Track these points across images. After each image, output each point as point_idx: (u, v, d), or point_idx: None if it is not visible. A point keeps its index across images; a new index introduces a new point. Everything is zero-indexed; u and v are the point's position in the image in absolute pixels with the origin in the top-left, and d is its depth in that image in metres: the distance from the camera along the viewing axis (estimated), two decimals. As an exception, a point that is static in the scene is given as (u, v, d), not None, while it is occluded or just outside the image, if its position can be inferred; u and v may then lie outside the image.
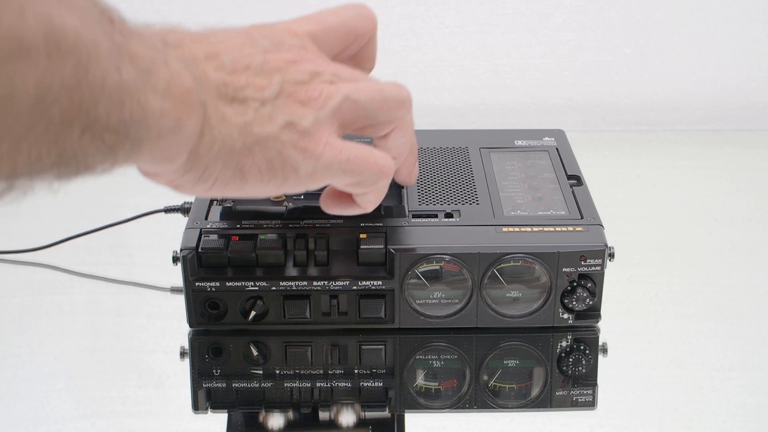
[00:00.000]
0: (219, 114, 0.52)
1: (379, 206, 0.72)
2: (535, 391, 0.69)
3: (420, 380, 0.70)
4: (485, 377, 0.70)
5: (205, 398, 0.68)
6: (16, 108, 0.39)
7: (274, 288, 0.70)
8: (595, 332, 0.72)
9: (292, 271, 0.70)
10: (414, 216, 0.73)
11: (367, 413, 0.67)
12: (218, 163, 0.53)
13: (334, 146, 0.57)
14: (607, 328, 0.73)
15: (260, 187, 0.56)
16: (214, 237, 0.70)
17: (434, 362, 0.71)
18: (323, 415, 0.67)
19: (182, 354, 0.72)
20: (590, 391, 0.69)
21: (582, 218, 0.73)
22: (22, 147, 0.40)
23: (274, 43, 0.57)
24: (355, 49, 0.65)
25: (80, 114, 0.42)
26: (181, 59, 0.51)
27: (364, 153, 0.59)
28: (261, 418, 0.66)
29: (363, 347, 0.71)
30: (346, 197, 0.63)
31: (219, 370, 0.70)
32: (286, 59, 0.57)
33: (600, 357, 0.71)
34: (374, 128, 0.61)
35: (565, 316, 0.71)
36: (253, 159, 0.54)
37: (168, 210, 0.82)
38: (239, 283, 0.69)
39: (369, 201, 0.62)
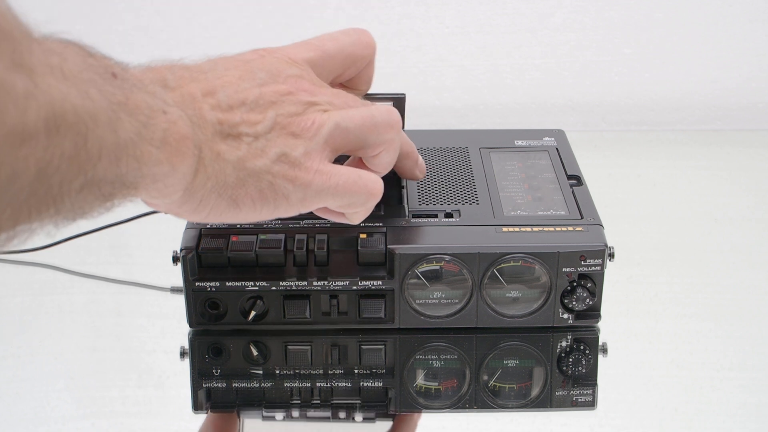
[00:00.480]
0: (213, 152, 0.55)
1: (379, 206, 0.72)
2: (535, 391, 0.69)
3: (420, 380, 0.70)
4: (485, 377, 0.70)
5: (205, 398, 0.68)
6: (19, 184, 0.41)
7: (274, 288, 0.70)
8: (595, 332, 0.72)
9: (292, 271, 0.70)
10: (414, 216, 0.73)
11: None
12: (212, 196, 0.56)
13: (323, 173, 0.59)
14: (607, 328, 0.73)
15: (254, 214, 0.58)
16: (214, 237, 0.70)
17: (434, 362, 0.71)
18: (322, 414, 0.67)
19: (182, 354, 0.72)
20: (590, 391, 0.69)
21: (582, 218, 0.73)
22: (23, 209, 0.42)
23: (272, 75, 0.59)
24: (353, 73, 0.66)
25: (79, 175, 0.44)
26: (180, 103, 0.53)
27: (354, 177, 0.60)
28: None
29: (363, 347, 0.71)
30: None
31: (219, 370, 0.70)
32: (281, 91, 0.58)
33: (600, 357, 0.71)
34: (364, 150, 0.63)
35: (565, 316, 0.71)
36: (246, 190, 0.56)
37: (168, 210, 0.82)
38: (239, 283, 0.69)
39: (357, 217, 0.64)
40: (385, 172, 0.65)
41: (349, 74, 0.66)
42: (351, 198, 0.60)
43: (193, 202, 0.55)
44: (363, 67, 0.67)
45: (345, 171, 0.60)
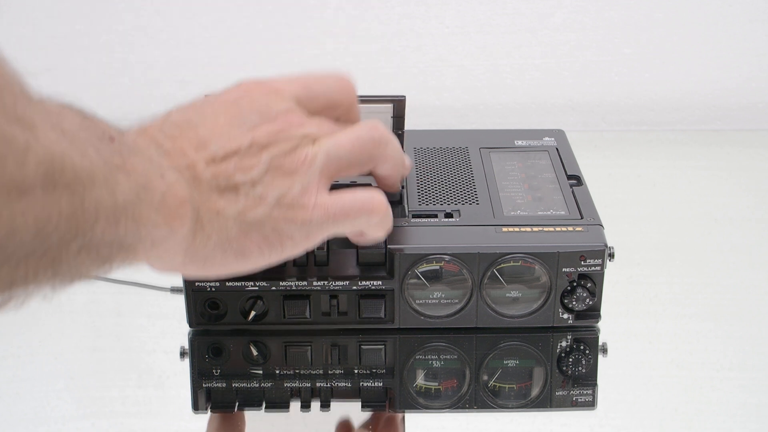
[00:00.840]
0: (212, 211, 0.55)
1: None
2: (535, 391, 0.69)
3: (420, 380, 0.70)
4: (485, 377, 0.70)
5: (205, 398, 0.68)
6: (17, 240, 0.41)
7: (274, 288, 0.70)
8: (595, 332, 0.72)
9: (292, 271, 0.70)
10: (414, 216, 0.73)
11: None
12: (217, 252, 0.55)
13: (321, 206, 0.59)
14: (607, 328, 0.73)
15: (263, 260, 0.58)
16: (214, 237, 0.69)
17: (434, 362, 0.71)
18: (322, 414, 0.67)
19: (182, 354, 0.72)
20: (590, 391, 0.69)
21: (582, 218, 0.73)
22: (20, 269, 0.42)
23: (261, 114, 0.58)
24: (330, 116, 0.65)
25: (77, 236, 0.44)
26: (175, 164, 0.53)
27: (350, 200, 0.60)
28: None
29: (363, 347, 0.71)
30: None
31: (219, 370, 0.70)
32: (273, 130, 0.58)
33: (600, 357, 0.71)
34: (359, 169, 0.63)
35: (565, 316, 0.71)
36: (251, 239, 0.56)
37: (168, 210, 0.82)
38: (239, 283, 0.69)
39: (375, 234, 0.64)
40: (392, 181, 0.65)
41: (326, 117, 0.66)
42: (354, 221, 0.61)
43: (197, 262, 0.55)
44: (341, 113, 0.65)
45: (340, 197, 0.60)
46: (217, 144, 0.56)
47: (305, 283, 0.69)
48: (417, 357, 0.71)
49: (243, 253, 0.57)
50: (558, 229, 0.71)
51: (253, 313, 0.70)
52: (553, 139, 0.86)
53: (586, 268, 0.70)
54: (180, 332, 0.72)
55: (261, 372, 0.70)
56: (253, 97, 0.59)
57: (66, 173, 0.42)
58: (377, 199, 0.62)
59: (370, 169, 0.64)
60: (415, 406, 0.68)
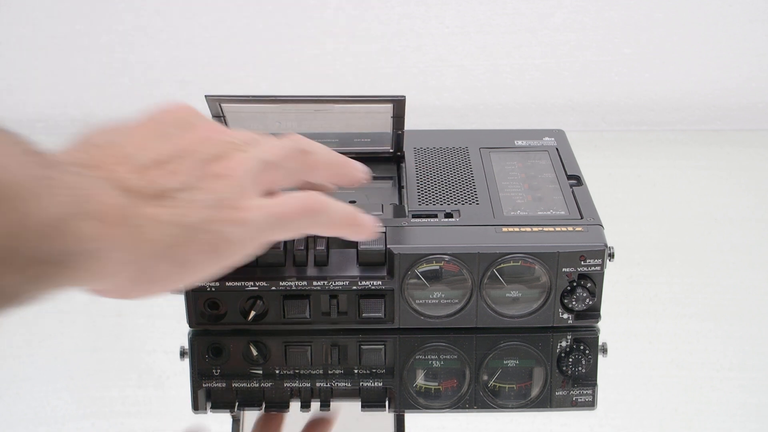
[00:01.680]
0: (148, 218, 0.53)
1: (379, 206, 0.72)
2: (535, 391, 0.69)
3: (420, 380, 0.70)
4: (485, 377, 0.70)
5: (205, 398, 0.68)
6: None
7: (273, 288, 0.70)
8: (595, 332, 0.72)
9: (291, 271, 0.70)
10: (414, 216, 0.73)
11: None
12: (162, 264, 0.54)
13: (260, 207, 0.58)
14: (607, 328, 0.73)
15: (210, 269, 0.57)
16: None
17: (434, 362, 0.71)
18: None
19: (182, 354, 0.72)
20: (590, 391, 0.69)
21: (582, 218, 0.73)
22: None
23: (182, 126, 0.58)
24: None
25: (17, 253, 0.43)
26: (102, 177, 0.52)
27: (289, 199, 0.60)
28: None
29: (363, 347, 0.71)
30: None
31: (219, 370, 0.70)
32: (197, 138, 0.58)
33: (600, 357, 0.71)
34: (290, 179, 0.62)
35: (565, 316, 0.71)
36: (198, 247, 0.55)
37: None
38: (239, 283, 0.69)
39: (349, 234, 0.64)
40: (331, 189, 0.65)
41: None
42: (299, 221, 0.60)
43: (143, 278, 0.54)
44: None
45: (279, 198, 0.60)
46: (142, 155, 0.55)
47: (305, 283, 0.69)
48: (417, 357, 0.71)
49: (189, 262, 0.55)
50: (558, 229, 0.71)
51: (253, 313, 0.70)
52: (553, 139, 0.86)
53: (586, 268, 0.70)
54: (180, 332, 0.72)
55: (261, 372, 0.70)
56: (171, 113, 0.60)
57: (2, 185, 0.42)
58: (317, 198, 0.61)
59: (304, 180, 0.64)
60: (415, 406, 0.68)
